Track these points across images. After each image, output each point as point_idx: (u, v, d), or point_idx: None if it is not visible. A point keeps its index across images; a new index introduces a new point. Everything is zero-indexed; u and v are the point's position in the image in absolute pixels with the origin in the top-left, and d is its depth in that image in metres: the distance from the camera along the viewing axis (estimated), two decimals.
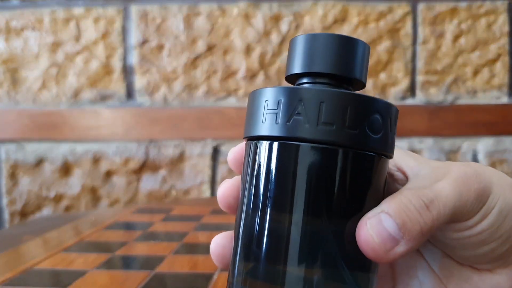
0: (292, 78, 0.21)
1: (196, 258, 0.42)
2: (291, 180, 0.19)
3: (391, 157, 0.20)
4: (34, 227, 0.65)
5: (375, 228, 0.18)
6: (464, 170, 0.20)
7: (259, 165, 0.20)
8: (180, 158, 0.91)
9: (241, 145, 0.23)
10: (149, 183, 0.91)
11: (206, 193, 0.91)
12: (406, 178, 0.21)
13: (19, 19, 0.91)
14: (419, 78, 0.90)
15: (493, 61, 0.90)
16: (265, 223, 0.19)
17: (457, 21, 0.90)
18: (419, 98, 0.91)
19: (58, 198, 0.92)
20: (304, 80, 0.20)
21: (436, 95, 0.90)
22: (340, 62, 0.20)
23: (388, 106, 0.19)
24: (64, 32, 0.91)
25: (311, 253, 0.18)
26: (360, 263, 0.19)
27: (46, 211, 0.92)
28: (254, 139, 0.20)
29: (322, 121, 0.18)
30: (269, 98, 0.19)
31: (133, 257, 0.43)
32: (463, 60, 0.90)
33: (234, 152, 0.23)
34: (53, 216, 0.89)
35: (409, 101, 0.91)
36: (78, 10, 0.91)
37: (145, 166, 0.91)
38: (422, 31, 0.90)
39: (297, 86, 0.20)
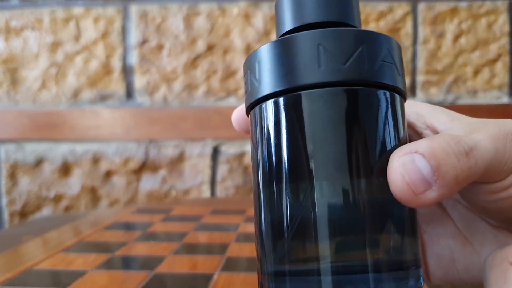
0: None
1: (196, 258, 0.42)
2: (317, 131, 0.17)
3: (406, 98, 0.19)
4: (34, 227, 0.65)
5: (407, 167, 0.16)
6: (501, 127, 0.19)
7: (268, 129, 0.18)
8: (180, 158, 0.91)
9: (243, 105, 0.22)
10: (149, 183, 0.91)
11: (206, 193, 0.91)
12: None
13: (19, 19, 0.91)
14: (420, 78, 0.90)
15: (494, 61, 0.90)
16: (293, 196, 0.17)
17: (458, 21, 0.89)
18: (420, 98, 0.91)
19: (58, 198, 0.92)
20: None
21: (436, 95, 0.90)
22: (334, 9, 0.19)
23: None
24: (63, 32, 0.91)
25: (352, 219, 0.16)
26: (402, 225, 0.17)
27: (46, 211, 0.92)
28: (255, 105, 0.19)
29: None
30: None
31: (133, 257, 0.43)
32: (464, 60, 0.90)
33: (238, 110, 0.23)
34: (53, 216, 0.89)
35: (410, 101, 0.91)
36: (77, 10, 0.91)
37: (145, 166, 0.91)
38: (423, 31, 0.90)
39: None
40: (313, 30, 0.18)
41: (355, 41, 0.17)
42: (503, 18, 0.89)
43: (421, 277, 0.18)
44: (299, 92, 0.17)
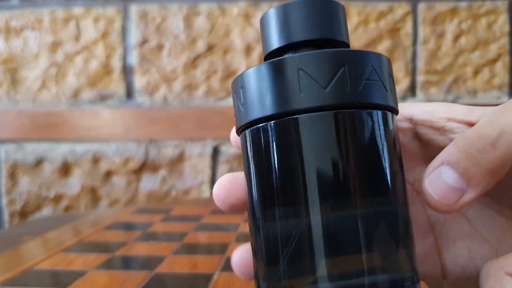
0: (272, 57, 0.19)
1: (196, 258, 0.42)
2: (298, 160, 0.17)
3: (397, 112, 0.19)
4: (33, 227, 0.65)
5: (434, 185, 0.17)
6: None
7: (256, 154, 0.18)
8: (180, 158, 0.91)
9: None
10: (149, 183, 0.91)
11: (206, 193, 0.91)
12: (465, 124, 0.19)
13: (19, 19, 0.91)
14: (420, 78, 0.90)
15: (494, 61, 0.90)
16: (288, 220, 0.17)
17: (458, 21, 0.89)
18: (420, 98, 0.91)
19: (57, 198, 0.92)
20: (286, 56, 0.18)
21: (436, 95, 0.90)
22: (320, 26, 0.18)
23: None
24: (63, 32, 0.91)
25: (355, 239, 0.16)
26: (396, 239, 0.17)
27: (46, 211, 0.92)
28: (243, 129, 0.19)
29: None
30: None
31: (133, 257, 0.43)
32: (464, 60, 0.90)
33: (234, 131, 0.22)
34: (52, 216, 0.89)
35: (410, 101, 0.91)
36: (77, 10, 0.91)
37: (145, 166, 0.91)
38: (423, 31, 0.90)
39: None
40: (293, 55, 0.17)
41: (336, 63, 0.17)
42: (503, 18, 0.89)
43: None
44: (284, 118, 0.17)
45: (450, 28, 0.89)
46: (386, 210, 0.17)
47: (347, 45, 0.20)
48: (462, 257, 0.21)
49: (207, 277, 0.36)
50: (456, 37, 0.90)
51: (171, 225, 0.57)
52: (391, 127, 0.18)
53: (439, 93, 0.90)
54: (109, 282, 0.36)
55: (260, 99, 0.18)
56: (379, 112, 0.18)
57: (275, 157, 0.18)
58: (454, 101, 0.90)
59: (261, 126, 0.18)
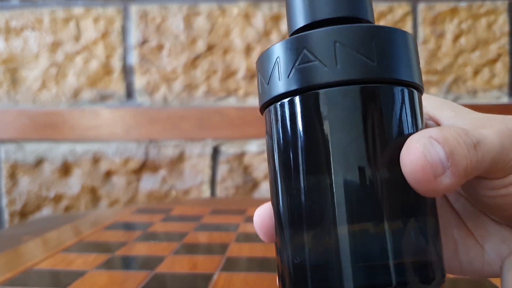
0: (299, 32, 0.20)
1: (196, 258, 0.42)
2: (323, 135, 0.17)
3: (422, 90, 0.19)
4: (33, 227, 0.65)
5: (428, 147, 0.16)
6: (508, 124, 0.19)
7: (284, 130, 0.18)
8: (180, 158, 0.91)
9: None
10: (149, 183, 0.91)
11: (206, 193, 0.91)
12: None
13: (19, 19, 0.91)
14: None
15: (494, 61, 0.90)
16: (308, 191, 0.17)
17: (458, 21, 0.89)
18: None
19: (58, 198, 0.92)
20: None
21: (436, 95, 0.90)
22: (346, 4, 0.18)
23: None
24: (63, 32, 0.91)
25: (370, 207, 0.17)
26: (413, 208, 0.17)
27: (46, 211, 0.92)
28: (270, 103, 0.19)
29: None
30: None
31: (133, 257, 0.43)
32: (464, 60, 0.90)
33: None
34: (53, 216, 0.89)
35: None
36: (77, 10, 0.91)
37: (145, 166, 0.91)
38: (423, 31, 0.90)
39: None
40: (327, 28, 0.17)
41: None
42: (503, 18, 0.89)
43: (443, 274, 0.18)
44: (315, 91, 0.17)
45: (450, 28, 0.89)
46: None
47: (372, 24, 0.20)
48: (448, 250, 0.22)
49: (207, 277, 0.36)
50: (456, 37, 0.90)
51: (171, 225, 0.57)
52: (419, 105, 0.18)
53: (439, 93, 0.90)
54: (109, 282, 0.36)
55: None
56: (405, 89, 0.18)
57: (314, 126, 0.17)
58: (454, 101, 0.90)
59: (296, 97, 0.18)
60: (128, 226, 0.59)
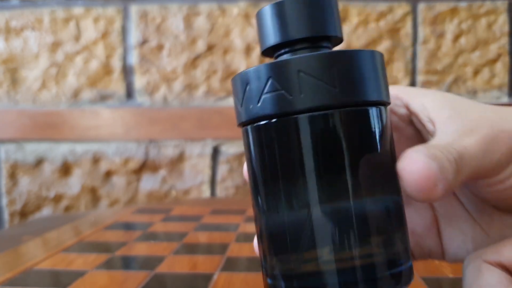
0: (268, 52, 0.21)
1: (196, 258, 0.42)
2: (295, 158, 0.18)
3: (388, 104, 0.20)
4: (33, 227, 0.65)
5: (430, 158, 0.17)
6: (495, 127, 0.19)
7: (250, 151, 0.20)
8: (180, 158, 0.91)
9: None
10: (149, 183, 0.91)
11: (206, 193, 0.91)
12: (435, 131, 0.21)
13: (19, 19, 0.91)
14: (420, 78, 0.90)
15: (494, 61, 0.90)
16: (285, 212, 0.18)
17: (457, 21, 0.89)
18: None
19: (58, 198, 0.92)
20: (282, 51, 0.20)
21: None
22: (314, 23, 0.19)
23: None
24: (63, 32, 0.91)
25: (345, 232, 0.18)
26: (390, 227, 0.19)
27: (46, 211, 0.92)
28: (245, 125, 0.20)
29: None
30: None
31: (133, 257, 0.43)
32: (464, 60, 0.90)
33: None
34: (53, 216, 0.89)
35: None
36: (77, 10, 0.91)
37: (145, 166, 0.91)
38: (422, 31, 0.90)
39: (275, 61, 0.20)
40: (291, 58, 0.18)
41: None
42: (503, 18, 0.89)
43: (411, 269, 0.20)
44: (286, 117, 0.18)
45: (450, 28, 0.89)
46: (383, 198, 0.19)
47: (340, 39, 0.21)
48: (457, 240, 0.23)
49: (207, 277, 0.36)
50: (456, 37, 0.90)
51: (171, 225, 0.57)
52: (384, 120, 0.19)
53: None
54: (109, 282, 0.36)
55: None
56: (373, 109, 0.19)
57: (275, 153, 0.19)
58: None
59: (263, 124, 0.19)
60: (128, 226, 0.59)
